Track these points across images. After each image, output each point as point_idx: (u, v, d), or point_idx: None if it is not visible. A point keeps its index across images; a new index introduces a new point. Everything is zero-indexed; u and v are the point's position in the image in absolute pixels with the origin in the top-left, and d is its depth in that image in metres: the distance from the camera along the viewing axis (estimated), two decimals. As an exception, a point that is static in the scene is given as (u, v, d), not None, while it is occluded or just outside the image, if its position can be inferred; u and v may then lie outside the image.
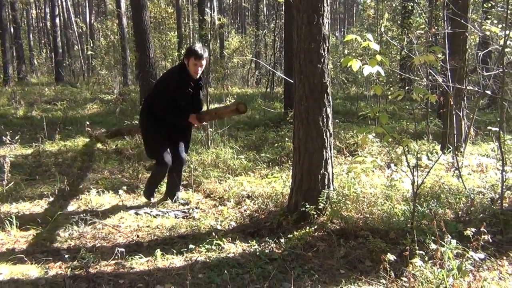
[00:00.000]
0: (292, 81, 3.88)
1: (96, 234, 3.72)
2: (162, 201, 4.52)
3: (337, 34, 32.27)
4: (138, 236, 3.70)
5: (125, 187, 4.83)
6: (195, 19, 20.62)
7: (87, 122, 7.53)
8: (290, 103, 7.49)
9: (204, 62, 4.17)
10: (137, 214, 4.23)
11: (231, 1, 35.70)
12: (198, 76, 4.23)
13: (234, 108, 4.19)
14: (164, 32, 18.12)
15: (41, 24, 33.08)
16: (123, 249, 3.21)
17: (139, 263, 3.15)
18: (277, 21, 17.97)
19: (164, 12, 18.44)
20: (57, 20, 19.69)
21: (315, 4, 3.57)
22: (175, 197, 4.51)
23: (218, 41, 19.53)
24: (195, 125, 4.44)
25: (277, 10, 18.25)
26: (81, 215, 4.11)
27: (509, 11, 4.23)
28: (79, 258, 3.14)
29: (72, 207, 4.35)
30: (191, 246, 3.39)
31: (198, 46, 4.15)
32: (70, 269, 3.03)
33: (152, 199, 4.54)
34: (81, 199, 4.56)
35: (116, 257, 3.17)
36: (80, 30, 23.91)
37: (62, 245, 3.51)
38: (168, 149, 4.29)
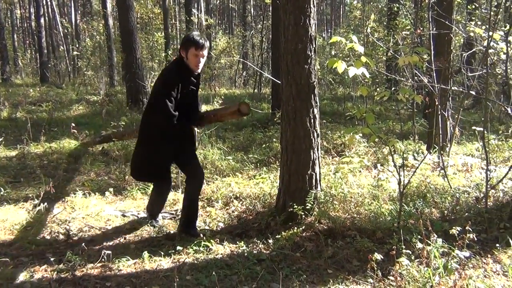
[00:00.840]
0: (280, 82, 3.88)
1: (82, 236, 3.68)
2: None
3: (324, 35, 32.39)
4: (125, 238, 3.67)
5: (111, 189, 4.80)
6: (182, 20, 20.55)
7: (73, 124, 7.44)
8: (278, 104, 7.50)
9: (205, 52, 3.57)
10: (124, 216, 4.20)
11: (218, 1, 35.64)
12: (199, 70, 3.61)
13: (236, 109, 3.55)
14: (151, 32, 18.01)
15: (25, 25, 32.63)
16: (109, 252, 3.18)
17: (126, 265, 3.13)
18: (265, 22, 18.00)
19: (150, 13, 18.33)
20: (42, 20, 19.42)
21: (301, 5, 3.58)
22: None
23: (206, 42, 19.42)
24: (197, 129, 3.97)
25: (264, 11, 18.28)
26: (67, 217, 4.07)
27: (492, 13, 4.30)
28: (65, 261, 3.10)
29: (57, 209, 4.30)
30: (178, 247, 3.37)
31: (197, 34, 3.56)
32: (56, 272, 2.99)
33: (158, 219, 4.06)
34: (67, 201, 4.51)
35: (103, 259, 3.14)
36: (66, 30, 23.61)
37: (47, 248, 3.46)
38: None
